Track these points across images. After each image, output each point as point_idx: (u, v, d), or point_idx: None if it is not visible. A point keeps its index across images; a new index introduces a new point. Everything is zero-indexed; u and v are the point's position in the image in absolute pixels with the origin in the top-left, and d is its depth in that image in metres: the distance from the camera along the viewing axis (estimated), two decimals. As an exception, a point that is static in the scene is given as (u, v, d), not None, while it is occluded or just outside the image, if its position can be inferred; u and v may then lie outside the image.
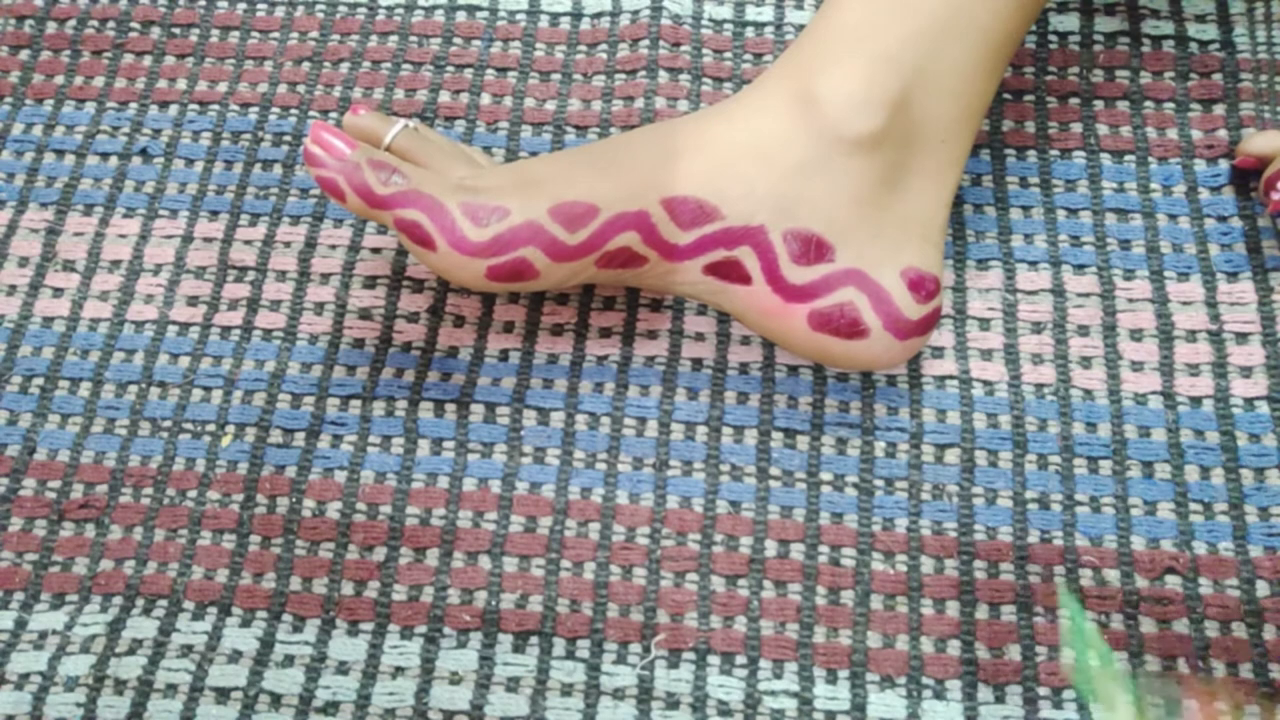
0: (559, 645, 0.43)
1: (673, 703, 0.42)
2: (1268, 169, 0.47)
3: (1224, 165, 0.50)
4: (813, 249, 0.42)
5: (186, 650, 0.43)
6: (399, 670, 0.42)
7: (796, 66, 0.42)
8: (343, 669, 0.42)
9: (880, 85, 0.40)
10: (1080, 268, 0.48)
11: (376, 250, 0.50)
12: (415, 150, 0.44)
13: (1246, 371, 0.46)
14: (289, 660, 0.43)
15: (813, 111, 0.41)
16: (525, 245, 0.41)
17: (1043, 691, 0.41)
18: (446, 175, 0.42)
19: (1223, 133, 0.50)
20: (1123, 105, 0.51)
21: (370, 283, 0.49)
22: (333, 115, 0.53)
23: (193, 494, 0.46)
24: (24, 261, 0.51)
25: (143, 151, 0.53)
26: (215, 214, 0.51)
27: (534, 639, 0.43)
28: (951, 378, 0.47)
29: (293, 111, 0.53)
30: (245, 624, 0.43)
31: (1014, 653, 0.42)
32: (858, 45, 0.41)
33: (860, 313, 0.42)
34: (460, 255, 0.41)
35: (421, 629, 0.43)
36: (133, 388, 0.48)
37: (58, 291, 0.50)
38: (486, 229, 0.40)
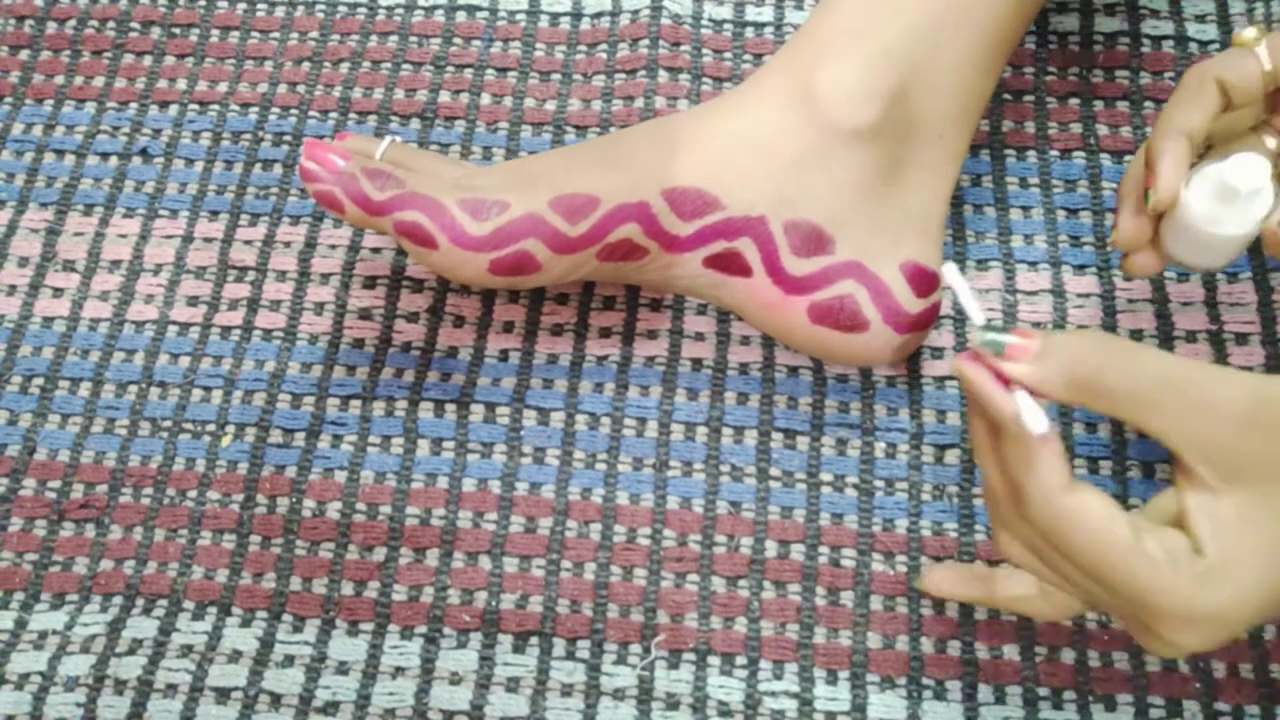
0: (559, 646, 0.43)
1: (673, 703, 0.42)
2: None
3: (1224, 165, 0.50)
4: (813, 241, 0.42)
5: (186, 650, 0.43)
6: (399, 670, 0.42)
7: (795, 61, 0.42)
8: (343, 669, 0.42)
9: (877, 79, 0.41)
10: (1080, 268, 0.48)
11: (376, 250, 0.50)
12: (407, 158, 0.43)
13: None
14: (289, 660, 0.43)
15: (811, 104, 0.41)
16: (526, 237, 0.41)
17: (1043, 692, 0.41)
18: (442, 175, 0.42)
19: (1223, 133, 0.50)
20: (1123, 105, 0.51)
21: (370, 283, 0.49)
22: (332, 115, 0.53)
23: (193, 494, 0.46)
24: (24, 261, 0.50)
25: (143, 151, 0.53)
26: (215, 214, 0.51)
27: (534, 639, 0.43)
28: (951, 378, 0.47)
29: (293, 111, 0.53)
30: (245, 624, 0.43)
31: (1014, 653, 0.42)
32: (855, 40, 0.41)
33: (860, 305, 0.42)
34: (462, 251, 0.41)
35: (421, 629, 0.43)
36: (133, 388, 0.48)
37: (58, 291, 0.50)
38: (487, 222, 0.40)
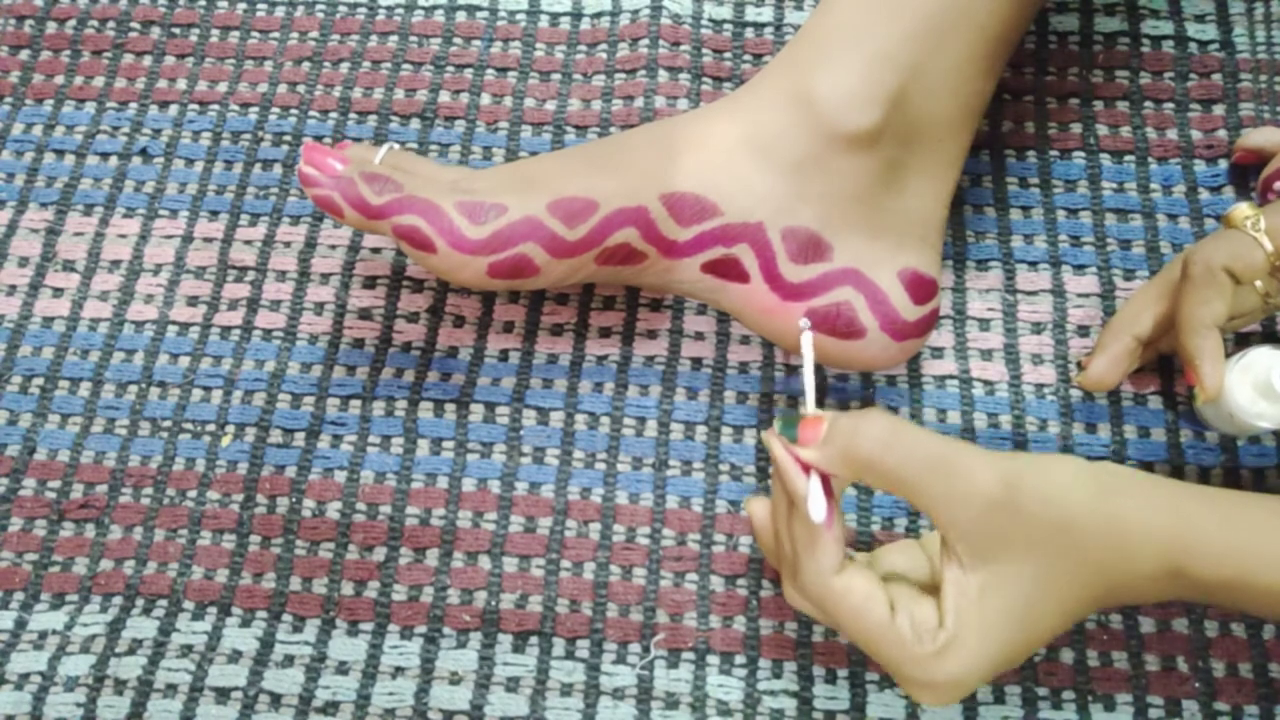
0: (559, 645, 0.43)
1: (672, 702, 0.42)
2: (1266, 168, 0.47)
3: (1224, 165, 0.50)
4: (810, 247, 0.42)
5: (186, 650, 0.43)
6: (399, 670, 0.42)
7: (794, 64, 0.42)
8: (343, 669, 0.43)
9: (877, 82, 0.40)
10: (1080, 268, 0.48)
11: (376, 250, 0.50)
12: (406, 162, 0.43)
13: (1246, 371, 0.46)
14: (289, 660, 0.43)
15: (810, 108, 0.41)
16: (525, 241, 0.41)
17: (1042, 691, 0.42)
18: (440, 179, 0.42)
19: (1222, 133, 0.50)
20: (1123, 105, 0.51)
21: (370, 283, 0.49)
22: (332, 115, 0.53)
23: (193, 494, 0.46)
24: (24, 261, 0.51)
25: (143, 151, 0.53)
26: (215, 214, 0.51)
27: (534, 639, 0.43)
28: (951, 378, 0.47)
29: (293, 111, 0.53)
30: (245, 624, 0.43)
31: (1013, 653, 0.42)
32: (854, 43, 0.41)
33: (857, 313, 0.42)
34: (460, 255, 0.41)
35: (421, 629, 0.43)
36: (133, 388, 0.48)
37: (58, 291, 0.50)
38: (484, 226, 0.40)
